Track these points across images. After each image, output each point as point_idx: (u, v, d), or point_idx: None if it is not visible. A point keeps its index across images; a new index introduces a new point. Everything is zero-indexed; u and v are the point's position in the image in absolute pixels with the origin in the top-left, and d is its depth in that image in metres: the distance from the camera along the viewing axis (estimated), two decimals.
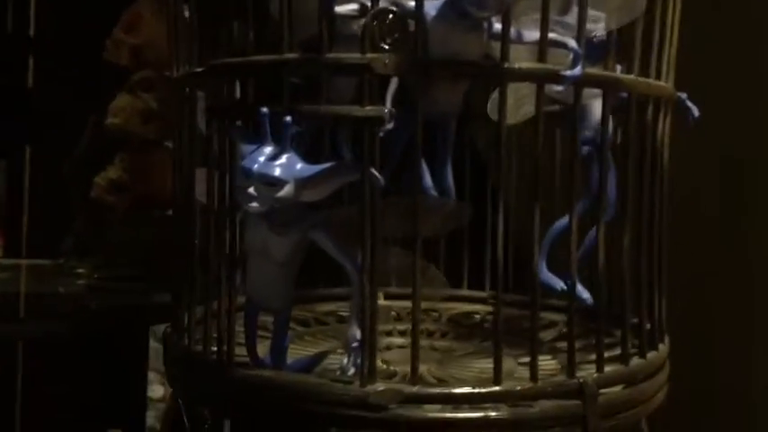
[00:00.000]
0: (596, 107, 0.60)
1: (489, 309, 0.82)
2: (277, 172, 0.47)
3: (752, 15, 0.89)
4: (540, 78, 0.48)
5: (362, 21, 0.49)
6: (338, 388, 0.48)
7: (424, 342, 0.73)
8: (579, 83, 0.49)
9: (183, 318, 0.59)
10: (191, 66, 0.56)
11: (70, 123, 1.27)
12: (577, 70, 0.47)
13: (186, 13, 0.57)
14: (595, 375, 0.52)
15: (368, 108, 0.47)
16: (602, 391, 0.51)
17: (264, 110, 0.47)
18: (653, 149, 0.56)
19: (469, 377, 0.61)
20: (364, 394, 0.47)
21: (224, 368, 0.52)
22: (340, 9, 0.48)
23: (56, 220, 1.31)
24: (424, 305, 0.76)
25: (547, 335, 0.73)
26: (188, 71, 0.56)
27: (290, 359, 0.55)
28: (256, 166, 0.47)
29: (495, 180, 0.61)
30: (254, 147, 0.49)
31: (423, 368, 0.60)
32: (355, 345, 0.50)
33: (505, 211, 0.69)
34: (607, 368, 0.53)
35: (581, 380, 0.51)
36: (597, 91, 0.56)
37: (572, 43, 0.48)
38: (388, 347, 0.71)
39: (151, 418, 1.15)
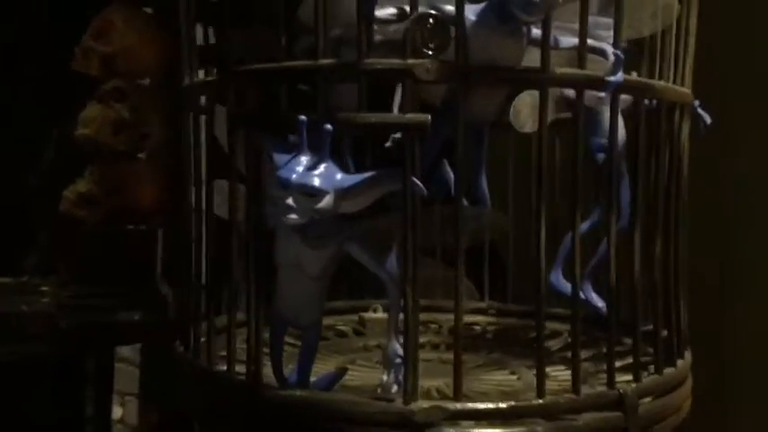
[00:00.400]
0: (608, 114, 0.59)
1: (489, 319, 0.82)
2: (317, 182, 0.45)
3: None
4: (582, 84, 0.47)
5: (391, 26, 0.48)
6: (380, 406, 0.47)
7: (431, 355, 0.72)
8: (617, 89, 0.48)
9: (198, 335, 0.57)
10: (206, 73, 0.54)
11: (33, 134, 1.22)
12: (619, 76, 0.47)
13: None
14: (634, 386, 0.51)
15: (409, 115, 0.45)
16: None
17: (303, 118, 0.45)
18: (677, 156, 0.55)
19: (490, 390, 0.60)
20: (409, 412, 0.46)
21: (254, 389, 0.49)
22: (379, 13, 0.46)
23: (18, 236, 1.25)
24: (424, 317, 0.75)
25: (554, 344, 0.72)
26: (204, 78, 0.53)
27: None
28: (294, 176, 0.45)
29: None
30: (287, 156, 0.46)
31: (440, 382, 0.59)
32: (398, 361, 0.48)
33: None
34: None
35: (621, 391, 0.50)
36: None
37: (610, 49, 0.48)
38: None
39: None
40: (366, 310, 0.80)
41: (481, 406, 0.48)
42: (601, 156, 0.62)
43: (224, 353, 0.54)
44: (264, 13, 0.49)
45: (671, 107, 0.54)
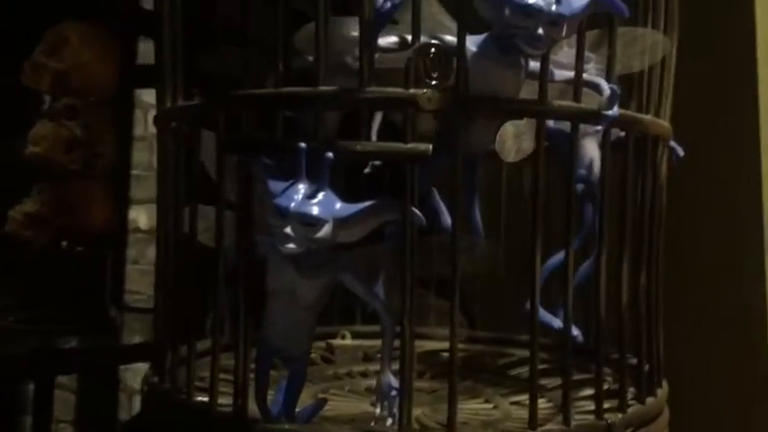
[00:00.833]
0: (588, 146, 0.60)
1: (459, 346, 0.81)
2: (315, 211, 0.44)
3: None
4: (578, 117, 0.48)
5: (389, 54, 0.48)
6: None
7: None
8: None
9: (175, 364, 0.55)
10: (191, 97, 0.52)
11: None
12: (615, 110, 0.47)
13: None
14: (620, 416, 0.51)
15: (410, 145, 0.45)
16: None
17: (303, 145, 0.44)
18: (659, 186, 0.56)
19: (470, 420, 0.60)
20: None
21: (240, 423, 0.48)
22: (381, 42, 0.46)
23: None
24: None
25: (523, 371, 0.73)
26: (191, 102, 0.52)
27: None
28: (293, 204, 0.44)
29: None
30: (283, 183, 0.45)
31: (418, 411, 0.58)
32: (393, 393, 0.47)
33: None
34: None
35: (609, 421, 0.50)
36: (591, 130, 0.57)
37: (603, 83, 0.48)
38: (369, 389, 0.68)
39: None
40: (334, 336, 0.79)
41: None
42: (580, 186, 0.63)
43: (198, 383, 0.53)
44: (256, 35, 0.48)
45: (654, 140, 0.55)
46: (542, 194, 0.48)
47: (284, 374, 0.51)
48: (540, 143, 0.47)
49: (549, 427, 0.49)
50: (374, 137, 0.54)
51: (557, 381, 0.63)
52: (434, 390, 0.69)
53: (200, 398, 0.53)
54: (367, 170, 0.60)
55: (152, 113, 1.85)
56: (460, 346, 0.80)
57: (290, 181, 0.45)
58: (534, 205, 0.48)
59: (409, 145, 0.45)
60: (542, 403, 0.61)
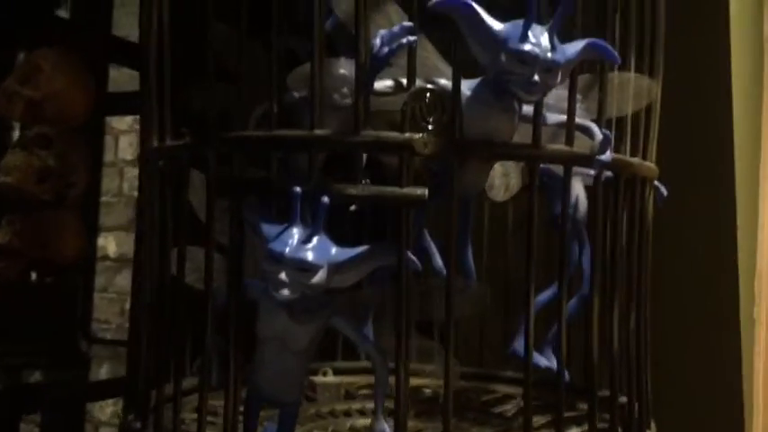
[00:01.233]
0: (573, 184, 0.60)
1: (438, 382, 0.81)
2: (310, 257, 0.44)
3: None
4: (572, 161, 0.48)
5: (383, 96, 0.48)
6: None
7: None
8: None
9: (160, 407, 0.53)
10: (180, 136, 0.52)
11: None
12: (608, 155, 0.47)
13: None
14: None
15: (407, 189, 0.45)
16: None
17: (298, 189, 0.44)
18: (646, 227, 0.57)
19: None
20: None
21: None
22: (377, 86, 0.46)
23: None
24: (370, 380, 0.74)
25: (509, 409, 0.72)
26: (179, 141, 0.51)
27: None
28: (288, 249, 0.44)
29: None
30: (276, 227, 0.45)
31: None
32: None
33: None
34: None
35: None
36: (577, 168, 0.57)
37: (596, 128, 0.49)
38: (354, 429, 0.68)
39: None
40: (315, 373, 0.78)
41: None
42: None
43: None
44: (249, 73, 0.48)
45: (642, 182, 0.55)
46: (536, 237, 0.48)
47: (272, 417, 0.50)
48: (534, 188, 0.47)
49: None
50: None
51: (541, 418, 0.63)
52: (419, 430, 0.68)
53: None
54: (352, 207, 0.60)
55: (122, 139, 1.83)
56: (438, 382, 0.81)
57: (284, 225, 0.45)
58: (529, 248, 0.48)
59: (405, 189, 0.45)
60: None
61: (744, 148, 0.98)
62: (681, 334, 0.92)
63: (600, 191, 0.50)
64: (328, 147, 0.45)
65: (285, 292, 0.44)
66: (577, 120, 0.49)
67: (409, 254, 0.45)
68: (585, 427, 0.53)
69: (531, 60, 0.43)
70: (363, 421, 0.69)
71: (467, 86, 0.46)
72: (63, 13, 1.19)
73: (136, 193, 1.84)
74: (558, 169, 0.51)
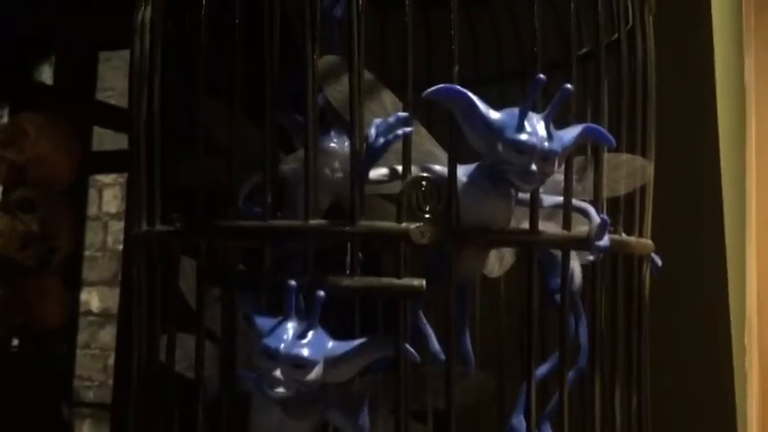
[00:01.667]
0: None
1: None
2: (306, 353, 0.42)
3: None
4: (570, 246, 0.47)
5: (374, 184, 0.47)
6: None
7: None
8: None
9: None
10: (171, 222, 0.51)
11: None
12: (606, 240, 0.47)
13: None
14: None
15: (404, 280, 0.44)
16: None
17: (293, 283, 0.43)
18: (644, 303, 0.56)
19: None
20: None
21: None
22: (372, 174, 0.45)
23: None
24: None
25: None
26: (168, 228, 0.50)
27: None
28: (283, 345, 0.42)
29: None
30: (270, 320, 0.44)
31: None
32: None
33: None
34: None
35: None
36: None
37: (593, 211, 0.48)
38: None
39: None
40: None
41: None
42: (559, 297, 0.62)
43: None
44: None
45: (639, 259, 0.55)
46: (536, 323, 0.47)
47: None
48: (533, 274, 0.47)
49: None
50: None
51: None
52: None
53: None
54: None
55: (106, 192, 1.81)
56: None
57: (278, 318, 0.44)
58: (529, 333, 0.47)
59: (402, 280, 0.44)
60: None
61: (731, 203, 0.98)
62: (676, 385, 0.91)
63: (598, 273, 0.50)
64: (323, 237, 0.44)
65: (280, 390, 0.42)
66: (574, 202, 0.48)
67: (407, 346, 0.44)
68: None
69: (528, 150, 0.43)
70: None
71: (462, 172, 0.46)
72: (48, 76, 1.18)
73: (120, 247, 1.82)
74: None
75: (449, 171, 0.45)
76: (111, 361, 1.83)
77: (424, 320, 0.53)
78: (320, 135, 0.51)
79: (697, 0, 0.85)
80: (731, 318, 0.97)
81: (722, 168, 0.92)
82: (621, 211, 0.53)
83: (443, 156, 0.47)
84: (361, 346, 0.44)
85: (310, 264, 0.44)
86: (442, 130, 0.47)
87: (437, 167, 0.46)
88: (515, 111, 0.43)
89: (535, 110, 0.44)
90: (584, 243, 0.47)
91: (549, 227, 0.49)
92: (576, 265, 0.61)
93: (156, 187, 0.52)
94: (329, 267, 0.50)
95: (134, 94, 0.54)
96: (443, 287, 0.45)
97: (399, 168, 0.45)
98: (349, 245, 0.46)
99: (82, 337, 1.82)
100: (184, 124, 0.53)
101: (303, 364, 0.42)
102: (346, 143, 0.56)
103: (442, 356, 0.52)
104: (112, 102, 1.62)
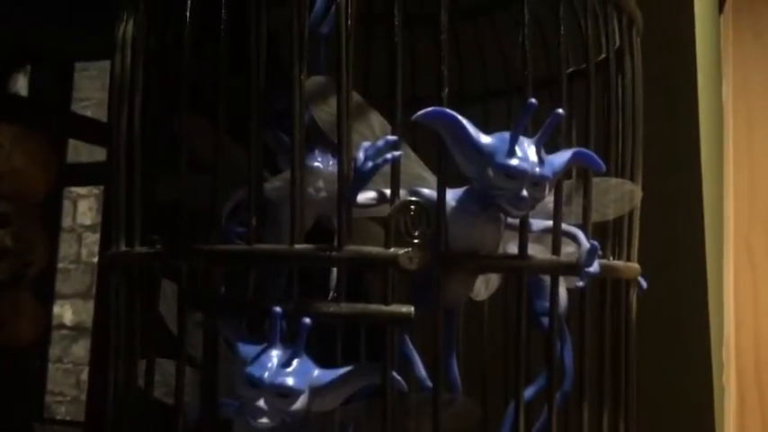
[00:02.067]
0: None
1: None
2: (291, 381, 0.41)
3: None
4: (560, 271, 0.47)
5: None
6: None
7: None
8: None
9: None
10: (150, 243, 0.49)
11: None
12: (595, 266, 0.46)
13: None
14: None
15: (392, 306, 0.43)
16: None
17: (278, 309, 0.42)
18: (632, 327, 0.56)
19: None
20: None
21: None
22: (360, 198, 0.44)
23: None
24: None
25: None
26: (155, 250, 0.49)
27: None
28: (267, 374, 0.41)
29: None
30: (253, 348, 0.43)
31: None
32: None
33: None
34: None
35: None
36: None
37: (582, 236, 0.47)
38: None
39: None
40: None
41: None
42: (546, 320, 0.61)
43: None
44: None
45: (627, 283, 0.54)
46: (523, 351, 0.47)
47: None
48: (523, 300, 0.46)
49: None
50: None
51: None
52: None
53: None
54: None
55: (81, 203, 1.79)
56: None
57: (262, 345, 0.43)
58: (517, 358, 0.46)
59: (390, 307, 0.43)
60: None
61: (710, 222, 0.99)
62: (657, 399, 0.91)
63: (587, 300, 0.49)
64: (309, 262, 0.43)
65: (263, 420, 0.41)
66: (564, 226, 0.48)
67: (394, 374, 0.43)
68: None
69: (519, 176, 0.42)
70: None
71: (451, 196, 0.45)
72: (23, 86, 1.16)
73: (94, 260, 1.79)
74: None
75: (438, 195, 0.44)
76: (85, 376, 1.80)
77: (410, 345, 0.53)
78: (305, 153, 0.50)
79: (681, 33, 0.85)
80: (710, 336, 0.98)
81: (704, 190, 0.92)
82: (610, 236, 0.53)
83: (432, 179, 0.46)
84: (347, 374, 0.43)
85: (295, 289, 0.43)
86: (426, 151, 0.46)
87: (426, 191, 0.45)
88: (506, 135, 0.43)
89: (525, 133, 0.43)
90: (574, 269, 0.47)
91: (536, 249, 0.48)
92: (561, 288, 0.60)
93: (135, 207, 0.51)
94: (311, 288, 0.49)
95: (113, 111, 0.52)
96: (430, 312, 0.44)
97: (387, 192, 0.44)
98: (335, 270, 0.45)
99: (54, 351, 1.78)
100: (165, 141, 0.52)
101: (288, 394, 0.41)
102: (331, 162, 0.55)
103: (429, 383, 0.51)
104: (89, 112, 1.60)
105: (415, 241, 0.43)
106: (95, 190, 1.88)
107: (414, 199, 0.44)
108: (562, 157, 0.44)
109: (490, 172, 0.42)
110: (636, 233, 0.56)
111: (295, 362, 0.42)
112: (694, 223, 0.90)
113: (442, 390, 0.45)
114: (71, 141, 1.39)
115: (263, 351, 0.42)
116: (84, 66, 1.63)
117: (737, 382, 1.36)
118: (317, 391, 0.42)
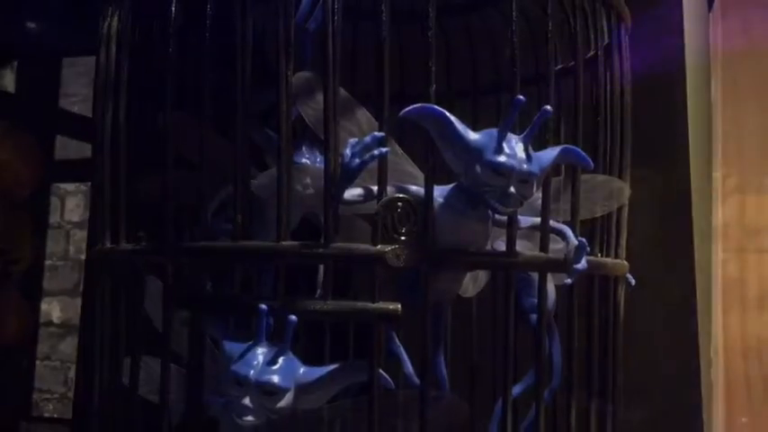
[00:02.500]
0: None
1: None
2: (276, 379, 0.41)
3: None
4: (547, 268, 0.47)
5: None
6: None
7: None
8: None
9: None
10: (137, 241, 0.49)
11: None
12: (583, 263, 0.46)
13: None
14: None
15: (380, 304, 0.42)
16: None
17: (264, 307, 0.41)
18: (619, 323, 0.56)
19: None
20: None
21: None
22: (347, 195, 0.43)
23: None
24: None
25: None
26: (133, 246, 0.48)
27: None
28: (252, 372, 0.41)
29: None
30: (239, 346, 0.42)
31: None
32: None
33: None
34: None
35: None
36: None
37: (570, 233, 0.47)
38: None
39: None
40: None
41: None
42: (534, 316, 0.61)
43: None
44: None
45: (615, 279, 0.54)
46: (511, 348, 0.46)
47: None
48: (511, 297, 0.46)
49: None
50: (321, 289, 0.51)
51: None
52: None
53: None
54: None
55: (69, 200, 1.77)
56: None
57: (248, 343, 0.42)
58: (505, 355, 0.46)
59: (378, 304, 0.42)
60: None
61: (699, 221, 0.99)
62: (644, 400, 0.92)
63: (575, 298, 0.49)
64: (296, 259, 0.43)
65: (249, 418, 0.41)
66: (552, 223, 0.47)
67: (382, 372, 0.42)
68: None
69: (506, 172, 0.42)
70: None
71: (439, 193, 0.44)
72: (9, 82, 1.15)
73: (82, 257, 1.78)
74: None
75: (425, 192, 0.44)
76: (72, 373, 1.79)
77: (397, 342, 0.52)
78: (292, 150, 0.50)
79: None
80: (698, 332, 0.98)
81: (692, 188, 0.92)
82: (597, 232, 0.52)
83: (420, 175, 0.45)
84: (333, 372, 0.42)
85: (281, 286, 0.43)
86: (412, 146, 0.46)
87: (413, 188, 0.45)
88: (494, 132, 0.42)
89: (513, 130, 0.43)
90: (562, 266, 0.46)
91: (524, 245, 0.48)
92: (550, 285, 0.60)
93: (120, 203, 0.50)
94: (297, 284, 0.49)
95: (99, 107, 0.52)
96: (418, 309, 0.44)
97: (375, 188, 0.44)
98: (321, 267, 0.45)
99: (42, 349, 1.77)
100: (151, 138, 0.51)
101: (273, 391, 0.41)
102: (318, 158, 0.55)
103: (416, 380, 0.51)
104: (76, 108, 1.59)
105: (403, 238, 0.43)
106: (83, 186, 1.87)
107: (401, 196, 0.44)
108: (550, 154, 0.44)
109: (478, 168, 0.42)
110: (624, 230, 0.56)
111: (281, 359, 0.42)
112: (683, 221, 0.90)
113: (430, 386, 0.45)
114: (59, 137, 1.38)
115: (249, 349, 0.42)
116: (71, 61, 1.62)
117: (725, 377, 1.36)
118: (303, 389, 0.42)
